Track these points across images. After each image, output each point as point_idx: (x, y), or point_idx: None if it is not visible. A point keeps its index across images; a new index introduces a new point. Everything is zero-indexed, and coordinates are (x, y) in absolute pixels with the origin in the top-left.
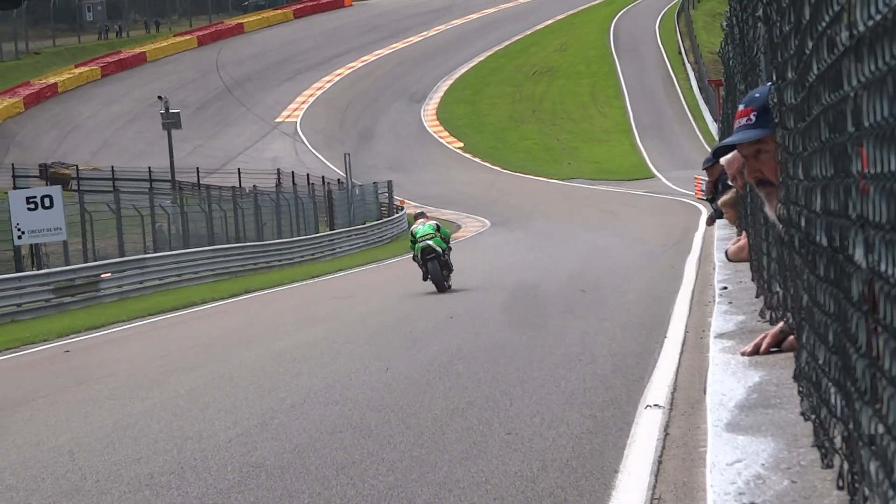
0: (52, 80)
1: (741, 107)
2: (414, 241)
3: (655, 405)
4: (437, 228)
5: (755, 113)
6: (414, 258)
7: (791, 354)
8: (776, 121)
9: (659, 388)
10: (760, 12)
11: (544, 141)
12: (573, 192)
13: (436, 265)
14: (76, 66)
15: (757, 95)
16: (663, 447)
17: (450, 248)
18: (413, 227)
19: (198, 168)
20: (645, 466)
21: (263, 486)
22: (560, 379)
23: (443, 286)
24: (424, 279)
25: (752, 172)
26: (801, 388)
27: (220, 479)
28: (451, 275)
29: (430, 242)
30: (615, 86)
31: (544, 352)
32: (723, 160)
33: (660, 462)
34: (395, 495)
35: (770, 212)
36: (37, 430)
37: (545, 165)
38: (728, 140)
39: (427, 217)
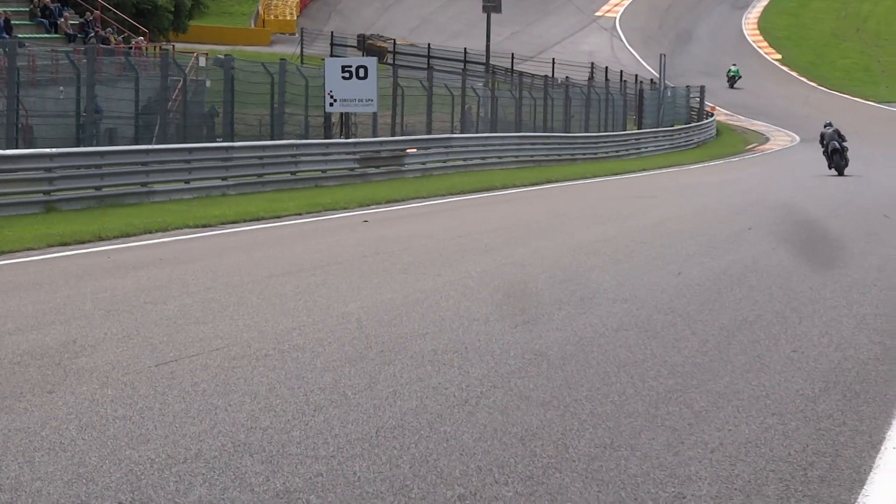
0: None
1: None
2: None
3: None
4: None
5: None
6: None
7: None
8: None
9: None
10: None
11: (864, 61)
12: (888, 116)
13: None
14: None
15: None
16: None
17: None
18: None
19: (513, 54)
20: None
21: (544, 375)
22: (853, 303)
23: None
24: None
25: None
26: None
27: (502, 363)
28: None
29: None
30: None
31: (840, 274)
32: None
33: None
34: (674, 399)
35: None
36: (328, 295)
37: (862, 86)
38: None
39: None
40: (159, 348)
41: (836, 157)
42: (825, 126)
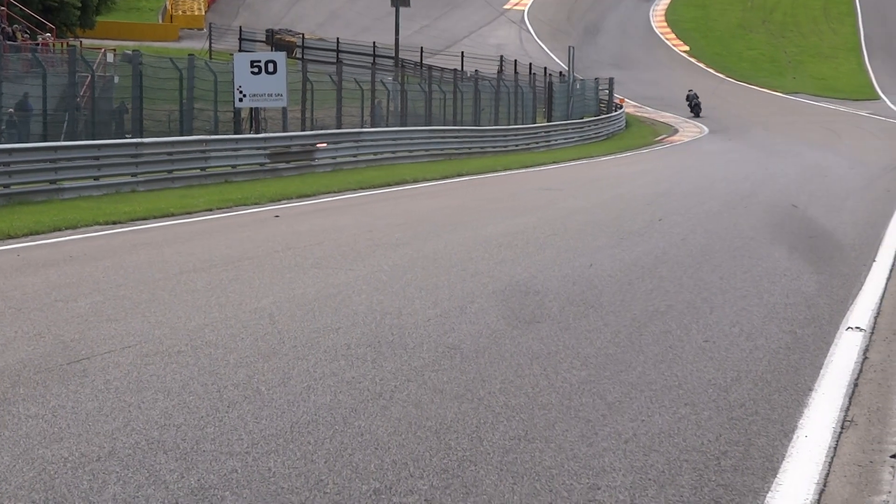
0: None
1: None
2: None
3: (857, 328)
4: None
5: None
6: None
7: None
8: None
9: (862, 311)
10: None
11: (771, 52)
12: (794, 107)
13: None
14: None
15: None
16: (860, 370)
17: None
18: None
19: (422, 48)
20: (840, 388)
21: (457, 368)
22: (763, 292)
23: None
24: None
25: None
26: None
27: (415, 357)
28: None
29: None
30: (849, 3)
31: (750, 263)
32: None
33: (856, 385)
34: (587, 390)
35: None
36: (240, 291)
37: (769, 77)
38: None
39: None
40: (71, 346)
41: (696, 108)
42: (689, 91)
